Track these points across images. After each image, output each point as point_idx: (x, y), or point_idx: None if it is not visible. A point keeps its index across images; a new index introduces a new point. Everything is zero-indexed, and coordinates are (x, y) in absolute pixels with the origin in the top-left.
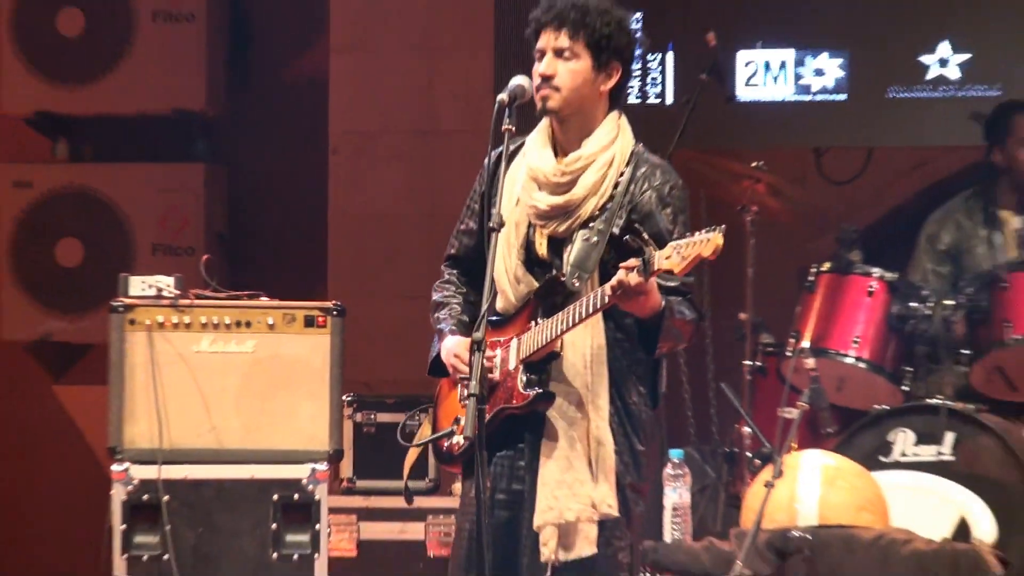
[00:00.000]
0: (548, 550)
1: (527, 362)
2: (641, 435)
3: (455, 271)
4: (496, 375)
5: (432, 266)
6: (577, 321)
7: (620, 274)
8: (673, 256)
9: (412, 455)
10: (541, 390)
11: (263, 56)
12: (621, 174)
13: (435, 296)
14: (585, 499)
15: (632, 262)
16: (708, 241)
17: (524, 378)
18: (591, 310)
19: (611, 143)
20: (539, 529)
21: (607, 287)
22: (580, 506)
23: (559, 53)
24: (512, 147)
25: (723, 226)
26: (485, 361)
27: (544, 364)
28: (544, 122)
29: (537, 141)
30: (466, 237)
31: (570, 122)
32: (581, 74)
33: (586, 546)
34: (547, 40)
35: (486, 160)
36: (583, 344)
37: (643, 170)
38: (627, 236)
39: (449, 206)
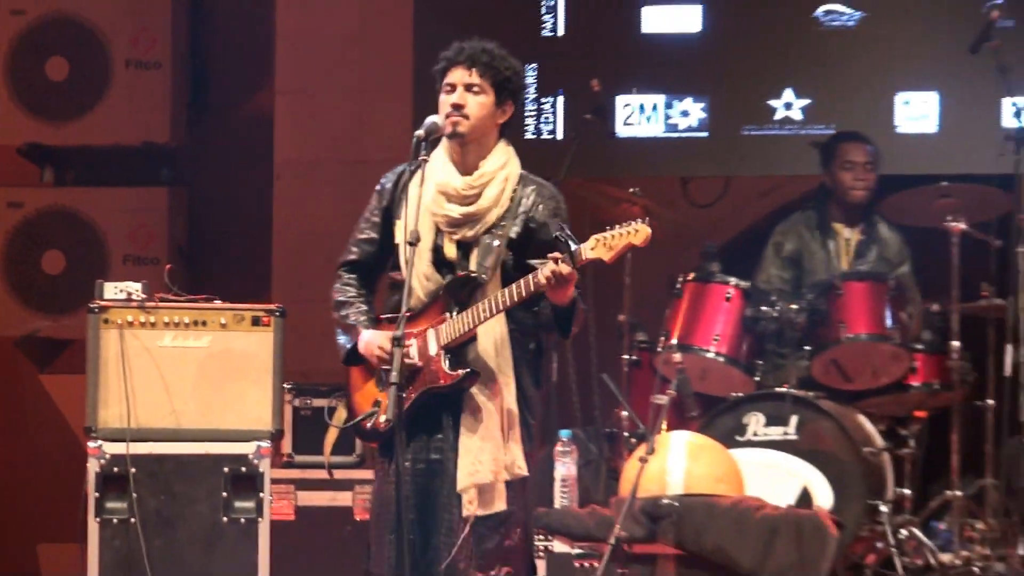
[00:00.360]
0: (472, 507)
1: (448, 347)
2: (532, 411)
3: (353, 275)
4: (417, 361)
5: None
6: (502, 308)
7: (550, 265)
8: (598, 247)
9: (331, 435)
10: (470, 370)
11: (218, 97)
12: (515, 190)
13: (338, 296)
14: (500, 463)
15: (558, 255)
16: (637, 232)
17: (448, 361)
18: (516, 299)
19: (505, 164)
20: (463, 490)
21: (540, 276)
22: (497, 469)
23: (469, 88)
24: (409, 172)
25: (648, 218)
26: (383, 350)
27: (462, 348)
28: (442, 149)
29: (441, 163)
30: (367, 245)
31: (471, 147)
32: (486, 107)
33: (500, 502)
34: (459, 76)
35: (384, 181)
36: (493, 332)
37: (531, 187)
38: (557, 235)
39: None
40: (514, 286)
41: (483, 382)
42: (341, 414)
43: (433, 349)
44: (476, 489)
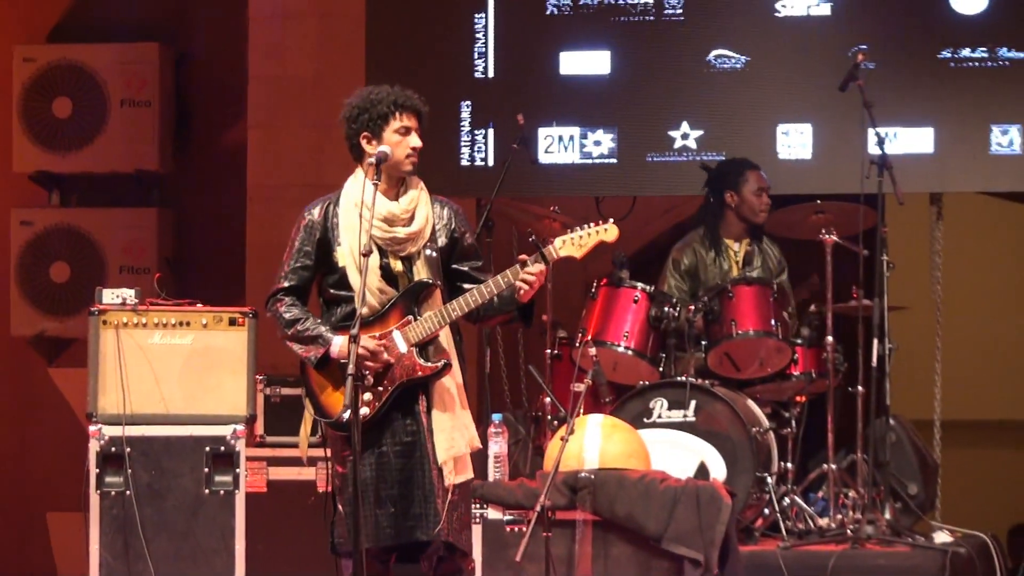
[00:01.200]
0: (452, 476)
1: (417, 344)
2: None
3: (292, 297)
4: (389, 358)
5: None
6: (472, 307)
7: (529, 267)
8: (567, 247)
9: (305, 430)
10: (446, 361)
11: (200, 131)
12: (432, 209)
13: (287, 315)
14: (468, 437)
15: (525, 257)
16: (607, 230)
17: (421, 356)
18: (486, 298)
19: (422, 188)
20: (444, 463)
21: (509, 276)
22: (466, 442)
23: (416, 132)
24: (330, 205)
25: (612, 219)
26: (367, 349)
27: (427, 345)
28: (363, 179)
29: (369, 193)
30: (304, 272)
31: (403, 180)
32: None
33: (469, 470)
34: (407, 121)
35: (309, 216)
36: (446, 328)
37: (439, 204)
38: (532, 239)
39: None
40: (483, 287)
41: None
42: (308, 419)
43: (403, 347)
44: (454, 461)
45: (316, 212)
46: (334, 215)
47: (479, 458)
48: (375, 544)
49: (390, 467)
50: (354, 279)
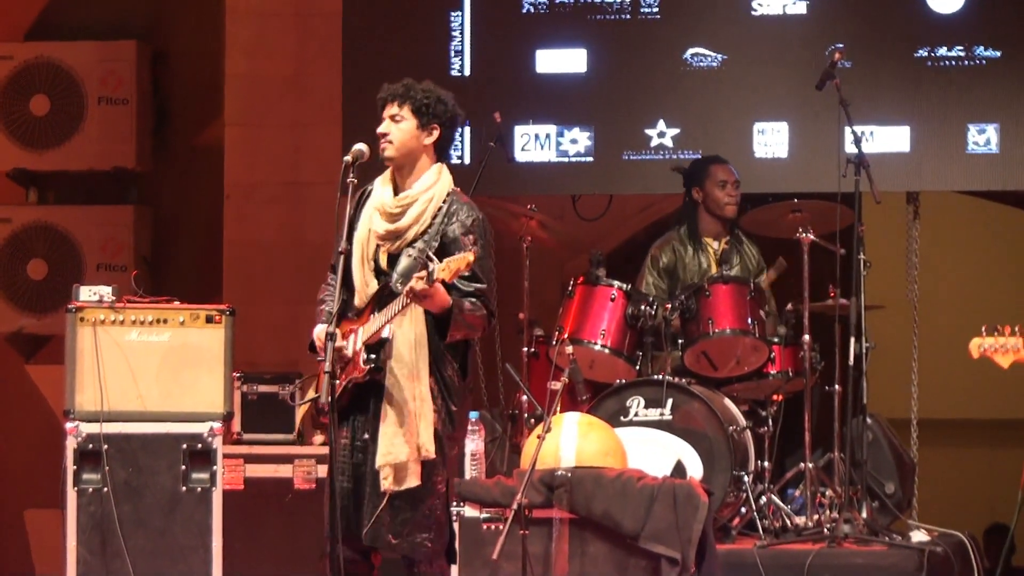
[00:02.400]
0: (387, 483)
1: (367, 344)
2: (455, 399)
3: (333, 276)
4: (349, 353)
5: (298, 281)
6: (392, 316)
7: (412, 282)
8: (444, 270)
9: (301, 411)
10: (374, 365)
11: (177, 128)
12: (439, 209)
13: (319, 295)
14: (413, 445)
15: (421, 274)
16: (463, 258)
17: (364, 356)
18: (399, 308)
19: (432, 185)
20: (380, 468)
21: (404, 291)
22: (409, 450)
23: (392, 118)
24: (365, 191)
25: (472, 250)
26: (338, 344)
27: (377, 347)
28: (387, 172)
29: (382, 182)
30: (340, 253)
31: (404, 168)
32: (407, 131)
33: (413, 479)
34: (386, 111)
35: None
36: (408, 333)
37: (454, 208)
38: (421, 256)
39: (311, 238)
40: (398, 299)
41: (399, 375)
42: (310, 393)
43: (358, 345)
44: (391, 468)
45: (356, 196)
46: (365, 199)
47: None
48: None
49: (347, 462)
50: (354, 269)
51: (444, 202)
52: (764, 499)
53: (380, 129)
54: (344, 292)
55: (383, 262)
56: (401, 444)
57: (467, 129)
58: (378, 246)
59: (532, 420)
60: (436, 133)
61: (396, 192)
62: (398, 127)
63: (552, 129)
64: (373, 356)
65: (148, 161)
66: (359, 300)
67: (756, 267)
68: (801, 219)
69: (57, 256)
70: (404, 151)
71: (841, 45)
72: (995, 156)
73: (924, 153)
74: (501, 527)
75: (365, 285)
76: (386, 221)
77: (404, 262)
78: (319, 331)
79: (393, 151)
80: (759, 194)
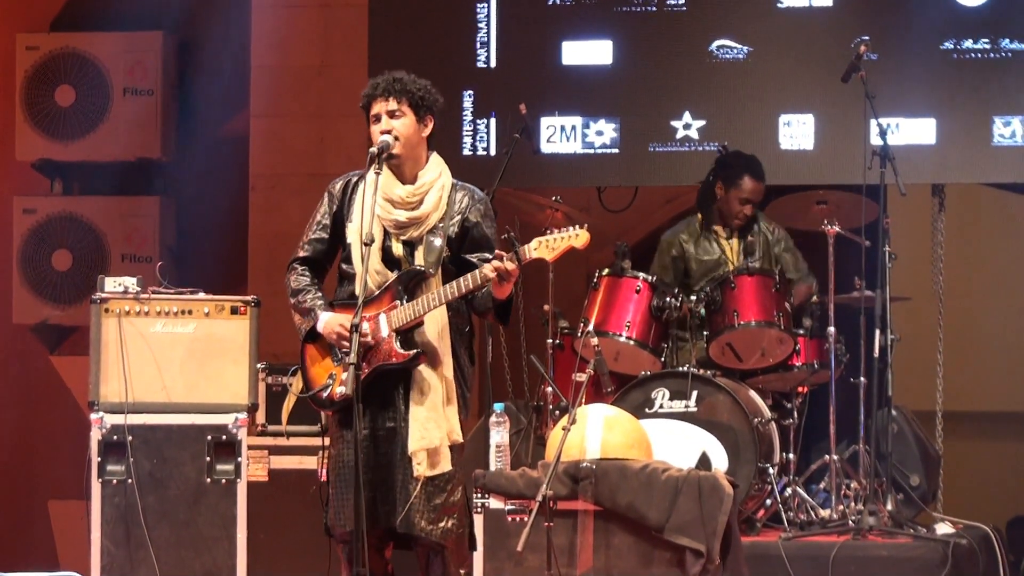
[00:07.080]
0: (421, 468)
1: (399, 330)
2: (469, 384)
3: (306, 267)
4: (370, 340)
5: None
6: (449, 298)
7: (495, 263)
8: (541, 248)
9: (289, 403)
10: (419, 350)
11: (203, 119)
12: (449, 195)
13: (294, 284)
14: (445, 429)
15: (502, 253)
16: (578, 236)
17: (399, 342)
18: (463, 291)
19: (441, 174)
20: (413, 453)
21: (487, 271)
22: (442, 434)
23: (391, 114)
24: (355, 180)
25: (586, 224)
26: (343, 327)
27: (410, 331)
28: (386, 166)
29: (385, 177)
30: (319, 244)
31: (407, 162)
32: (409, 125)
33: (446, 463)
34: (381, 107)
35: (332, 187)
36: (436, 319)
37: (462, 193)
38: (504, 236)
39: None
40: (461, 280)
41: (428, 361)
42: (297, 385)
43: (385, 331)
44: (425, 452)
45: (338, 186)
46: (354, 191)
47: (482, 448)
48: (346, 527)
49: (370, 452)
50: (357, 260)
51: (452, 190)
52: (789, 491)
53: (381, 126)
54: (320, 282)
55: (397, 250)
56: (434, 428)
57: (493, 120)
58: (388, 235)
59: (557, 412)
60: (431, 125)
61: (403, 183)
62: (400, 122)
63: (578, 121)
64: (408, 341)
65: (173, 152)
66: (369, 287)
67: (775, 241)
68: (826, 211)
69: (82, 247)
70: (409, 146)
71: (867, 37)
72: (1020, 148)
73: (950, 145)
74: (526, 519)
75: (376, 274)
76: (405, 210)
77: (428, 248)
78: (329, 319)
79: (400, 148)
80: (784, 186)
